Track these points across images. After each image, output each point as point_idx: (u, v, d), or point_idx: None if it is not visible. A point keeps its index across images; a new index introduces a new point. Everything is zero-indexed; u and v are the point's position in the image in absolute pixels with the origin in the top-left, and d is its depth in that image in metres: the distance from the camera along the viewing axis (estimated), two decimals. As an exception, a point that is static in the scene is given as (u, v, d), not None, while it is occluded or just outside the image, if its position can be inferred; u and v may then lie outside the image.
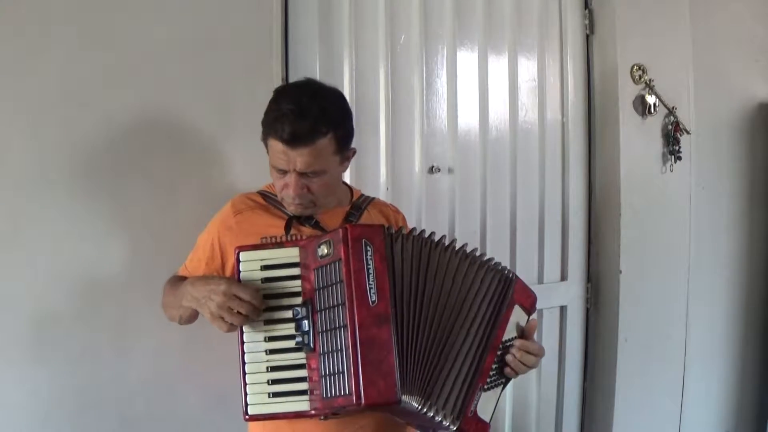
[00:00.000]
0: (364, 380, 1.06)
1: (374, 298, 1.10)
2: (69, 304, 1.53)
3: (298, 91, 1.26)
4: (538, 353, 1.27)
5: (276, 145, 1.23)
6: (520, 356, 1.25)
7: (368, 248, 1.12)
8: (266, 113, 1.26)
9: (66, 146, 1.52)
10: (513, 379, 1.30)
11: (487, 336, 1.22)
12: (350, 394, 1.06)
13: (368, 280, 1.10)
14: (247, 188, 1.51)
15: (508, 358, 1.25)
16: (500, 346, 1.24)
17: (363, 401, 1.05)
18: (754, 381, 2.74)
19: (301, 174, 1.25)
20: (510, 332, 1.26)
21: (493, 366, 1.23)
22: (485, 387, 1.22)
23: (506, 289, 1.26)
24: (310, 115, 1.21)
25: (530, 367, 1.27)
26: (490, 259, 1.27)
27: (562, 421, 2.38)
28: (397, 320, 1.12)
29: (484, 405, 1.21)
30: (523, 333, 1.29)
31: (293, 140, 1.21)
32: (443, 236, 1.25)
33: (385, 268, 1.12)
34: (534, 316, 1.31)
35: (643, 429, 2.40)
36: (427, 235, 1.22)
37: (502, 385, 1.27)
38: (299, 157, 1.22)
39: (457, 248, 1.24)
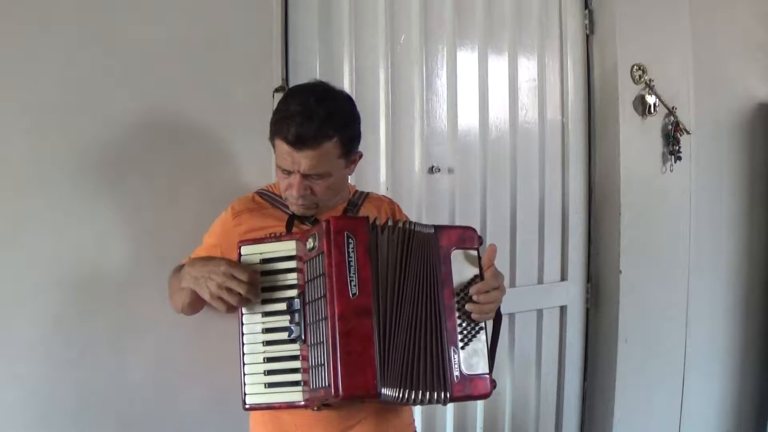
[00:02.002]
0: (342, 373, 1.06)
1: (355, 290, 1.10)
2: (69, 304, 1.53)
3: (306, 93, 1.26)
4: (495, 284, 1.22)
5: (282, 145, 1.23)
6: (479, 299, 1.20)
7: (350, 241, 1.12)
8: (274, 113, 1.26)
9: (66, 146, 1.52)
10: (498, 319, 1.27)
11: (436, 301, 1.19)
12: (329, 386, 1.07)
13: (349, 273, 1.11)
14: (247, 188, 1.52)
15: (468, 307, 1.20)
16: (455, 300, 1.20)
17: (341, 393, 1.06)
18: (754, 381, 2.74)
19: (305, 176, 1.25)
20: (465, 275, 1.22)
21: (459, 323, 1.19)
22: (462, 346, 1.19)
23: (430, 247, 1.21)
24: (317, 118, 1.20)
25: (496, 303, 1.23)
26: (423, 226, 1.23)
27: (562, 421, 2.38)
28: (379, 312, 1.12)
29: (472, 361, 1.18)
30: (481, 267, 1.24)
31: (298, 142, 1.21)
32: (412, 223, 1.23)
33: (367, 261, 1.12)
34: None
35: (643, 429, 2.40)
36: (413, 225, 1.22)
37: (483, 332, 1.22)
38: (304, 159, 1.22)
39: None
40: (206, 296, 1.20)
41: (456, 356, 1.17)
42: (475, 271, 1.23)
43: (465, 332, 1.20)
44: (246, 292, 1.17)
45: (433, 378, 1.15)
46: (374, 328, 1.10)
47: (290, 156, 1.23)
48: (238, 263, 1.21)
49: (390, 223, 1.20)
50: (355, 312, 1.09)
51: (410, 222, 1.24)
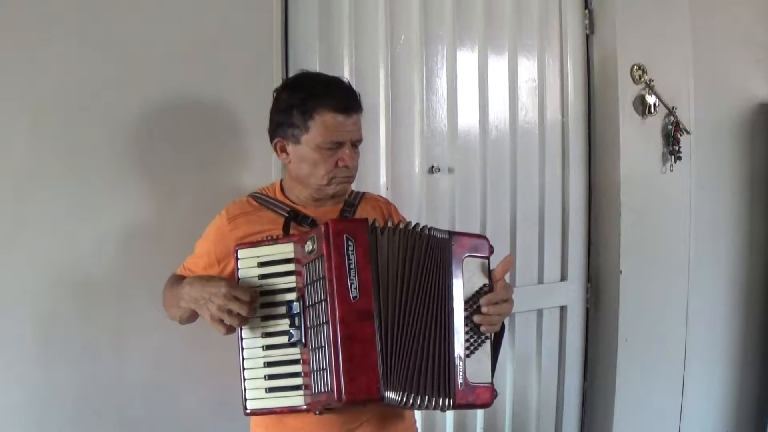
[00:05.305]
0: (345, 377, 1.05)
1: (356, 293, 1.09)
2: (69, 304, 1.53)
3: (317, 73, 1.34)
4: (505, 297, 1.21)
5: (329, 118, 1.24)
6: (489, 311, 1.19)
7: (350, 243, 1.11)
8: (304, 94, 1.26)
9: (66, 146, 1.52)
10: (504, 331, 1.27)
11: (446, 306, 1.17)
12: (332, 390, 1.06)
13: (349, 276, 1.09)
14: (246, 188, 1.52)
15: (476, 319, 1.19)
16: (465, 308, 1.19)
17: (344, 398, 1.05)
18: (754, 381, 2.74)
19: (353, 144, 1.30)
20: (475, 284, 1.21)
21: (466, 331, 1.19)
22: (467, 354, 1.18)
23: (444, 251, 1.19)
24: (349, 86, 1.28)
25: (504, 316, 1.22)
26: (431, 229, 1.21)
27: (562, 421, 2.38)
28: (381, 315, 1.11)
29: (476, 369, 1.18)
30: (491, 277, 1.23)
31: (349, 108, 1.25)
32: (427, 227, 1.21)
33: (368, 263, 1.11)
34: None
35: (643, 429, 2.40)
36: (412, 227, 1.20)
37: (488, 341, 1.22)
38: (354, 126, 1.27)
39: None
40: (207, 318, 1.19)
41: (461, 363, 1.17)
42: (485, 280, 1.22)
43: (471, 341, 1.20)
44: (247, 312, 1.16)
45: (438, 384, 1.15)
46: (376, 332, 1.09)
47: (341, 125, 1.25)
48: (238, 284, 1.20)
49: (390, 225, 1.18)
50: (357, 315, 1.08)
51: (425, 226, 1.21)
